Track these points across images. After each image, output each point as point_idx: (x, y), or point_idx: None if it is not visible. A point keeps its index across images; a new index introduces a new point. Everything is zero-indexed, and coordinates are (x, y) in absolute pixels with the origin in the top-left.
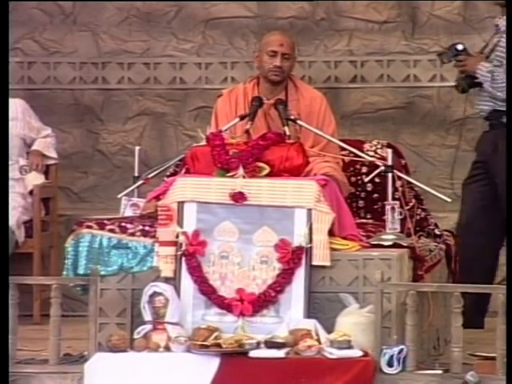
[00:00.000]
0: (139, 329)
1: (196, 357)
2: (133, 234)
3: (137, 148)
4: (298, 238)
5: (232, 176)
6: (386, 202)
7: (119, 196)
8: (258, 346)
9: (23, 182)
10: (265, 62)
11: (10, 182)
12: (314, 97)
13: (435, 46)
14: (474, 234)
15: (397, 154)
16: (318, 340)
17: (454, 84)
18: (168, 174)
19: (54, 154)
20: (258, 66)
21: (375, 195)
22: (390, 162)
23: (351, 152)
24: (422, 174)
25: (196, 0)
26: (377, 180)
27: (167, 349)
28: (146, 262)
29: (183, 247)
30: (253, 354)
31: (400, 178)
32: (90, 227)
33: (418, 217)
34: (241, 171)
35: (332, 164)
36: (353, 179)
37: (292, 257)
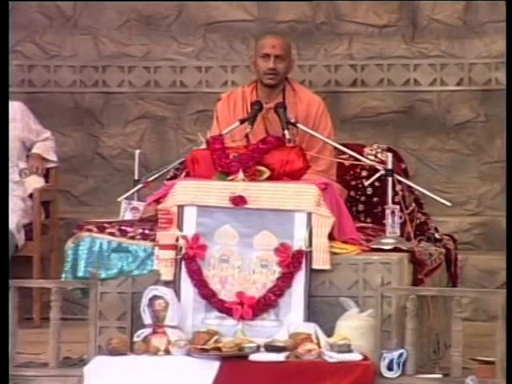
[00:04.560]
0: (139, 332)
1: (196, 360)
2: (133, 238)
3: (137, 151)
4: (298, 242)
5: (232, 179)
6: (385, 206)
7: (119, 199)
8: (257, 349)
9: (23, 185)
10: (259, 65)
11: (10, 185)
12: (312, 100)
13: (435, 50)
14: None
15: (397, 158)
16: (318, 344)
17: None
18: (168, 177)
19: (54, 158)
20: (254, 71)
21: (375, 199)
22: (390, 166)
23: (351, 156)
24: (421, 178)
25: (196, 0)
26: (377, 184)
27: (167, 352)
28: (146, 266)
29: (183, 251)
30: (253, 357)
31: (400, 182)
32: (89, 230)
33: (418, 221)
34: (241, 175)
35: (324, 175)
36: (353, 183)
37: (292, 260)
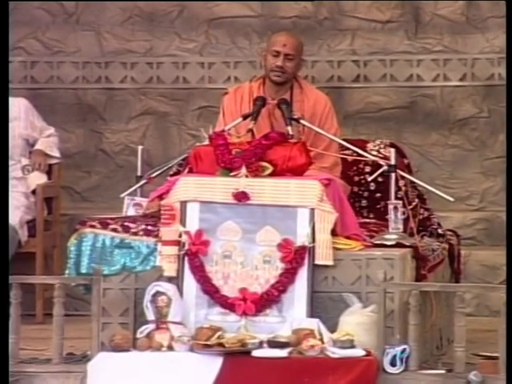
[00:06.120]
0: (142, 328)
1: (199, 356)
2: (136, 234)
3: (140, 147)
4: (301, 238)
5: (235, 175)
6: (388, 202)
7: (122, 195)
8: (260, 345)
9: (26, 182)
10: (268, 61)
11: (13, 182)
12: (319, 98)
13: (438, 45)
14: None
15: (400, 153)
16: (321, 339)
17: None
18: (171, 173)
19: (56, 154)
20: (263, 66)
21: (378, 195)
22: (393, 162)
23: (354, 151)
24: (424, 173)
25: (199, 0)
26: (380, 179)
27: (170, 348)
28: (149, 262)
29: (186, 247)
30: (256, 353)
31: (403, 178)
32: (92, 227)
33: (421, 216)
34: (244, 171)
35: (328, 171)
36: (356, 179)
37: (295, 256)
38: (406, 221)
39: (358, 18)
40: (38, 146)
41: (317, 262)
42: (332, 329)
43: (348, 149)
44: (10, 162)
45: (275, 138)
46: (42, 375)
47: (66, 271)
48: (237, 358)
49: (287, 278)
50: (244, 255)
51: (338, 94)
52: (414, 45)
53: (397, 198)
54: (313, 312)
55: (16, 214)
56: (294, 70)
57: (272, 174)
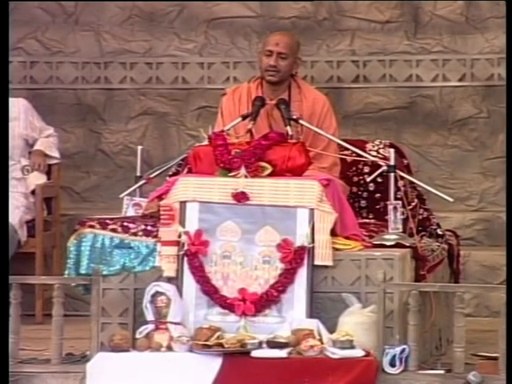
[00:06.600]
0: (141, 328)
1: (198, 357)
2: (135, 234)
3: (139, 148)
4: (301, 238)
5: (234, 176)
6: (388, 202)
7: (121, 196)
8: (260, 345)
9: (25, 182)
10: (262, 61)
11: (13, 182)
12: (317, 98)
13: (437, 45)
14: None
15: (399, 153)
16: (321, 340)
17: None
18: (170, 173)
19: (56, 154)
20: (258, 67)
21: (377, 195)
22: (392, 162)
23: (354, 152)
24: (424, 173)
25: (198, 0)
26: (379, 180)
27: (169, 349)
28: (149, 262)
29: (185, 247)
30: (255, 353)
31: (402, 178)
32: (92, 227)
33: (421, 217)
34: (243, 171)
35: (327, 171)
36: (355, 179)
37: (294, 257)
38: (405, 221)
39: (357, 18)
40: (37, 147)
41: (316, 262)
42: (331, 329)
43: (347, 149)
44: (10, 163)
45: (274, 139)
46: (42, 375)
47: (66, 271)
48: (236, 359)
49: (287, 278)
50: (243, 255)
51: (337, 95)
52: (413, 45)
53: (396, 199)
54: (312, 312)
55: (16, 214)
56: (289, 69)
57: (271, 175)
